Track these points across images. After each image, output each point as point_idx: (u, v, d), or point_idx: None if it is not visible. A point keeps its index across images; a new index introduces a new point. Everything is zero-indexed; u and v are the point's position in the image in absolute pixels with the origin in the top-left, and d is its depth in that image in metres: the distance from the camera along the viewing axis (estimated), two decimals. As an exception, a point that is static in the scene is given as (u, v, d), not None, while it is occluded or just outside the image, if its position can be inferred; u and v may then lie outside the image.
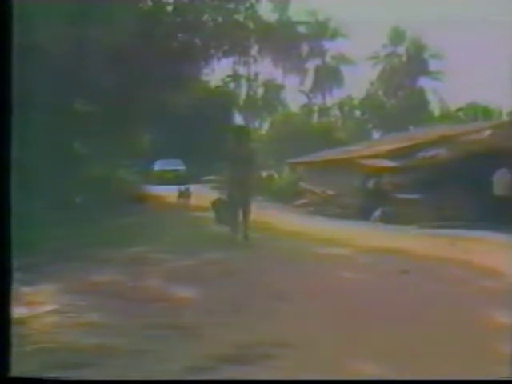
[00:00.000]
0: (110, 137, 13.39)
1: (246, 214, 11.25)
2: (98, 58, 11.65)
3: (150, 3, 14.66)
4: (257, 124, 45.48)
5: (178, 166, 24.30)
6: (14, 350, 3.16)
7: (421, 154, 20.01)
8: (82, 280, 7.12)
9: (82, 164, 11.42)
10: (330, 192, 21.47)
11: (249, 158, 11.45)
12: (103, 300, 6.31)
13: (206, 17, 15.66)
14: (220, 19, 15.95)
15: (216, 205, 12.61)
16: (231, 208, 11.38)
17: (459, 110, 44.68)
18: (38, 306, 5.65)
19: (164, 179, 22.61)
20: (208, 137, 24.13)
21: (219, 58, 18.29)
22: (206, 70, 19.74)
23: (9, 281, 3.22)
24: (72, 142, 11.01)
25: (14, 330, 3.19)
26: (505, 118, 37.54)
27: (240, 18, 17.25)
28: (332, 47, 47.04)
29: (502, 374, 4.28)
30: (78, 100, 11.47)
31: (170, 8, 15.13)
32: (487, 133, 19.70)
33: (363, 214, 18.15)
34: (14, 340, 3.15)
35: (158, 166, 24.83)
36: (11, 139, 3.12)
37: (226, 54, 18.50)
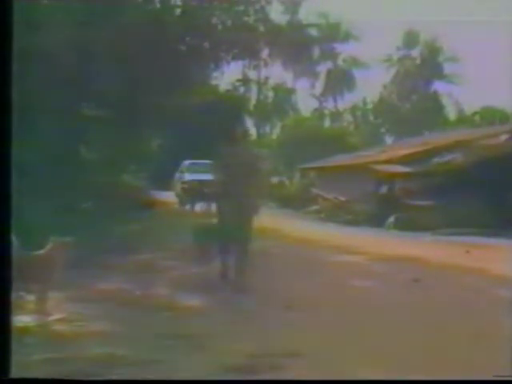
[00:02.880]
0: (118, 141, 13.44)
1: (240, 253, 7.63)
2: (105, 62, 11.70)
3: (158, 6, 14.70)
4: (267, 129, 45.51)
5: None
6: (20, 360, 3.17)
7: (435, 160, 19.98)
8: (88, 288, 7.13)
9: (88, 169, 11.46)
10: (342, 198, 21.45)
11: (250, 166, 7.73)
12: (110, 308, 6.32)
13: (215, 20, 15.68)
14: (229, 22, 15.96)
15: (199, 230, 8.73)
16: (219, 239, 7.84)
17: (475, 113, 44.58)
18: (43, 314, 5.67)
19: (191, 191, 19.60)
20: (218, 142, 24.17)
21: (229, 62, 18.33)
22: (215, 74, 19.77)
23: (9, 284, 3.24)
24: (79, 147, 11.05)
25: (20, 339, 3.21)
26: (522, 122, 37.40)
27: (250, 20, 17.27)
28: (344, 50, 47.13)
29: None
30: (85, 104, 11.52)
31: (178, 11, 15.17)
32: (504, 137, 19.63)
33: (376, 221, 18.13)
34: (20, 350, 3.17)
35: (186, 173, 21.91)
36: (11, 142, 3.15)
37: (235, 58, 18.52)
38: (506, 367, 4.65)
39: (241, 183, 7.59)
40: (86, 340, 5.17)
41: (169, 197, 21.55)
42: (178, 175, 23.41)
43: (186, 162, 23.35)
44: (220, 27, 15.82)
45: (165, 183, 23.21)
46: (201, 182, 16.87)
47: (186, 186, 21.12)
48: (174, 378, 4.18)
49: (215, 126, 24.14)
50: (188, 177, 21.55)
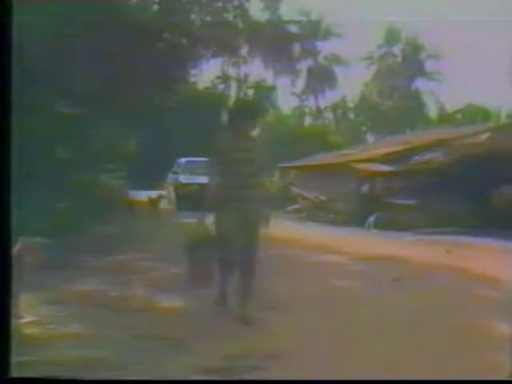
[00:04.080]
0: (95, 140, 13.38)
1: (245, 272, 6.11)
2: (82, 59, 11.64)
3: (135, 2, 14.67)
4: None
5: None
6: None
7: (416, 158, 20.10)
8: (63, 290, 7.10)
9: (64, 168, 11.39)
10: (323, 197, 21.52)
11: (255, 164, 6.21)
12: (86, 310, 6.30)
13: (193, 16, 15.67)
14: (208, 19, 15.96)
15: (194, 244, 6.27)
16: (219, 255, 6.17)
17: (457, 112, 44.96)
18: (14, 317, 5.63)
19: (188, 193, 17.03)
20: (197, 140, 24.12)
21: (208, 59, 18.36)
22: (194, 71, 19.78)
23: (9, 283, 3.24)
24: (54, 146, 10.98)
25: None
26: (504, 120, 37.80)
27: (229, 17, 17.29)
28: (325, 47, 47.23)
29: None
30: (62, 102, 11.45)
31: (155, 7, 15.14)
32: (485, 136, 19.80)
33: (357, 220, 18.20)
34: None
35: (182, 174, 19.48)
36: (11, 142, 3.15)
37: (214, 55, 18.55)
38: (487, 366, 4.71)
39: (245, 184, 6.04)
40: (60, 342, 5.15)
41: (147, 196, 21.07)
42: (171, 176, 20.80)
43: (182, 160, 20.69)
44: (198, 24, 15.81)
45: (144, 182, 22.94)
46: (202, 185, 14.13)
47: (181, 191, 18.52)
48: (174, 379, 4.17)
49: (194, 123, 24.09)
50: (184, 179, 18.75)
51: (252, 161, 6.11)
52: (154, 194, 19.40)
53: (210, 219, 6.17)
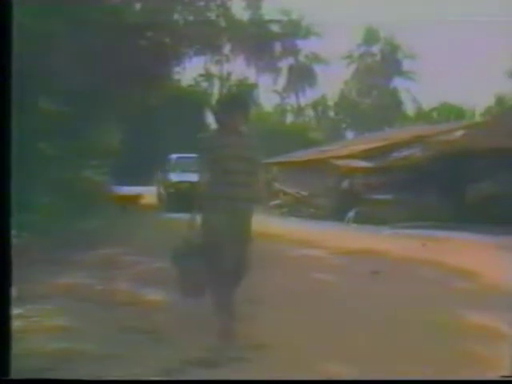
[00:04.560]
0: (79, 137, 13.29)
1: (239, 271, 5.48)
2: (65, 56, 11.55)
3: (118, 0, 14.57)
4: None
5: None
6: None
7: (394, 155, 20.20)
8: (46, 284, 7.06)
9: (48, 164, 11.31)
10: (304, 193, 21.57)
11: (250, 161, 5.58)
12: (70, 303, 6.27)
13: (176, 15, 15.61)
14: (191, 17, 15.90)
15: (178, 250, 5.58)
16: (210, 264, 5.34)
17: (433, 110, 45.28)
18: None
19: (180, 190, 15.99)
20: (180, 136, 24.05)
21: (190, 57, 18.29)
22: (177, 69, 19.70)
23: (8, 282, 3.21)
24: (37, 142, 10.88)
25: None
26: (477, 118, 38.12)
27: (212, 16, 17.26)
28: (305, 46, 47.28)
29: (474, 373, 4.36)
30: (45, 98, 11.35)
31: (138, 6, 15.05)
32: (460, 133, 19.94)
33: (337, 215, 18.27)
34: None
35: (173, 171, 18.01)
36: (11, 142, 3.12)
37: (197, 53, 18.50)
38: (463, 357, 4.75)
39: (240, 183, 5.43)
40: (44, 335, 5.12)
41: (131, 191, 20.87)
42: (161, 174, 19.38)
43: (173, 157, 19.12)
44: (181, 22, 15.74)
45: (128, 179, 22.76)
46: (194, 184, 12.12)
47: (171, 190, 17.25)
48: (174, 378, 4.15)
49: (177, 120, 23.98)
50: (175, 177, 17.35)
51: (242, 157, 5.48)
52: (134, 190, 19.17)
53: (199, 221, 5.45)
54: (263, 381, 4.03)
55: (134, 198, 18.33)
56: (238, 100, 5.94)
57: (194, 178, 5.74)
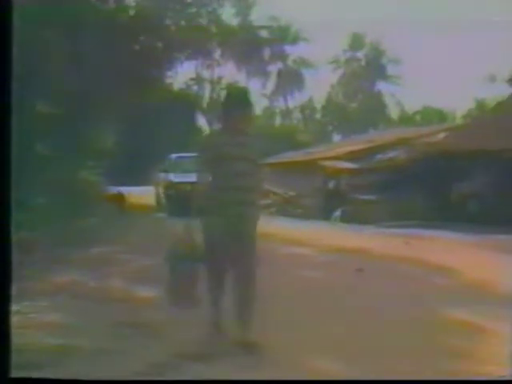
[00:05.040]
0: (73, 138, 13.24)
1: (242, 289, 5.02)
2: (61, 60, 11.52)
3: (112, 6, 14.54)
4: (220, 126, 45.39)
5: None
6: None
7: (379, 156, 20.26)
8: (42, 281, 7.04)
9: (44, 165, 11.27)
10: (292, 193, 21.58)
11: (252, 162, 5.12)
12: (65, 300, 6.26)
13: (168, 21, 15.59)
14: (182, 23, 15.90)
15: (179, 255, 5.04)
16: (210, 269, 5.03)
17: (416, 113, 45.42)
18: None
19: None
20: (171, 138, 24.02)
21: (182, 61, 18.27)
22: (169, 73, 19.67)
23: (9, 281, 3.19)
24: (34, 143, 10.85)
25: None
26: (458, 121, 38.29)
27: (203, 22, 17.25)
28: (293, 51, 47.26)
29: (454, 368, 4.39)
30: (41, 102, 11.32)
31: (132, 12, 15.03)
32: (442, 135, 20.04)
33: (323, 214, 18.30)
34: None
35: (172, 172, 16.33)
36: (11, 142, 3.10)
37: (188, 58, 18.49)
38: (444, 352, 4.78)
39: (244, 186, 4.97)
40: (39, 331, 5.11)
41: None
42: (160, 175, 17.65)
43: (173, 156, 17.65)
44: (173, 28, 15.73)
45: (121, 179, 22.57)
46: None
47: (171, 191, 15.77)
48: (174, 378, 4.15)
49: (169, 123, 23.90)
50: (175, 178, 15.74)
51: (247, 158, 4.99)
52: (119, 190, 18.86)
53: (198, 225, 4.99)
54: (263, 381, 4.02)
55: (118, 198, 18.07)
56: (244, 95, 5.37)
57: (195, 178, 5.26)
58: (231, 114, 5.10)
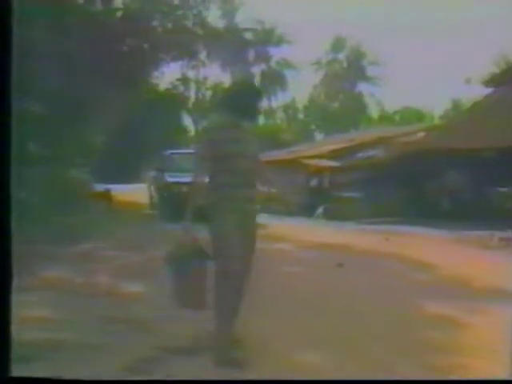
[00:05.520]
0: (62, 137, 13.14)
1: (242, 285, 4.67)
2: (49, 61, 11.42)
3: (100, 8, 14.44)
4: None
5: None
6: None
7: (360, 155, 20.34)
8: (30, 276, 6.97)
9: (32, 163, 11.16)
10: (275, 190, 21.55)
11: (255, 159, 4.78)
12: (51, 296, 6.20)
13: (155, 22, 15.53)
14: (169, 25, 15.85)
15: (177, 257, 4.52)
16: (224, 262, 4.47)
17: (395, 113, 45.66)
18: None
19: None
20: (158, 137, 23.94)
21: (168, 63, 18.21)
22: (155, 73, 19.59)
23: (9, 281, 3.13)
24: (22, 143, 10.73)
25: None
26: (436, 120, 38.55)
27: (188, 24, 17.21)
28: (277, 53, 47.37)
29: (432, 361, 4.39)
30: (28, 101, 11.21)
31: (120, 13, 14.94)
32: (420, 135, 20.15)
33: (306, 211, 18.33)
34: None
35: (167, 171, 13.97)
36: (11, 140, 3.05)
37: (174, 59, 18.41)
38: (423, 346, 4.79)
39: (249, 182, 4.67)
40: (27, 326, 5.05)
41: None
42: (154, 173, 15.62)
43: (167, 153, 15.50)
44: (160, 30, 15.67)
45: (109, 177, 22.43)
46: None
47: (166, 193, 13.48)
48: (173, 378, 4.11)
49: (155, 122, 23.77)
50: (169, 178, 13.47)
51: (249, 154, 4.63)
52: (106, 187, 18.73)
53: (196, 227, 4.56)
54: (263, 381, 3.99)
55: (106, 196, 17.96)
56: (255, 89, 4.94)
57: (190, 178, 4.72)
58: (238, 106, 4.60)
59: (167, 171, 14.12)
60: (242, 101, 4.60)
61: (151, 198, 16.52)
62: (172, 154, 15.27)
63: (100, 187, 18.32)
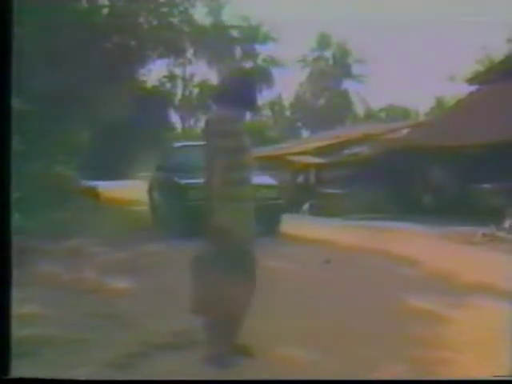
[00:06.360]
0: (48, 134, 13.05)
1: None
2: (35, 58, 11.33)
3: (86, 6, 14.36)
4: (192, 122, 45.26)
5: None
6: None
7: (345, 152, 20.40)
8: (19, 272, 6.91)
9: (20, 160, 11.08)
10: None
11: (250, 155, 4.35)
12: (38, 291, 6.16)
13: (141, 20, 15.47)
14: (155, 22, 15.79)
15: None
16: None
17: (381, 110, 45.87)
18: None
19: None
20: (144, 134, 23.86)
21: (154, 60, 18.16)
22: (142, 71, 19.53)
23: (9, 281, 3.12)
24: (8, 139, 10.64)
25: None
26: (421, 117, 38.76)
27: (175, 21, 17.15)
28: (263, 51, 47.40)
29: (417, 356, 4.41)
30: (16, 99, 11.13)
31: (106, 11, 14.87)
32: (405, 132, 20.24)
33: (292, 208, 18.34)
34: None
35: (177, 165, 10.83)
36: (11, 139, 3.04)
37: (161, 56, 18.36)
38: (408, 340, 4.80)
39: (250, 178, 4.29)
40: (14, 322, 5.01)
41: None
42: (157, 174, 12.30)
43: (177, 145, 12.56)
44: (146, 27, 15.61)
45: (96, 174, 22.26)
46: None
47: (180, 201, 10.01)
48: (173, 378, 4.09)
49: (142, 119, 23.66)
50: (179, 179, 10.36)
51: (248, 149, 4.27)
52: (93, 184, 18.63)
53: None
54: (263, 381, 3.98)
55: (92, 192, 17.87)
56: (253, 80, 4.67)
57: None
58: (244, 100, 4.32)
59: (173, 171, 10.87)
60: (243, 92, 4.29)
61: (153, 208, 12.59)
62: (184, 146, 11.92)
63: (87, 184, 18.23)
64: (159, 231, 11.24)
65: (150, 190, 12.80)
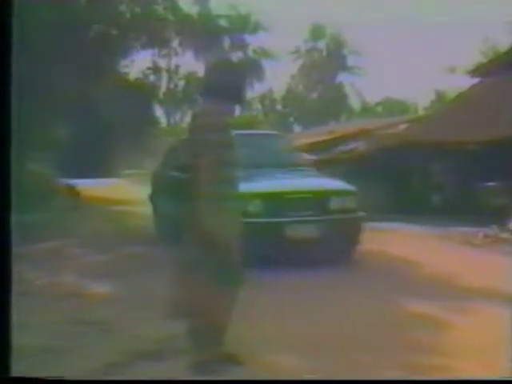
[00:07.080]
0: (20, 129, 12.97)
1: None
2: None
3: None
4: (178, 117, 45.19)
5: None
6: None
7: (340, 148, 20.42)
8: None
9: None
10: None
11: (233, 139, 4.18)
12: (15, 297, 6.12)
13: (123, 7, 15.40)
14: (138, 10, 15.73)
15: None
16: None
17: (377, 104, 46.01)
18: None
19: None
20: (127, 129, 23.75)
21: (138, 50, 18.08)
22: (124, 62, 19.46)
23: (9, 280, 3.12)
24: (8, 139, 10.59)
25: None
26: (420, 112, 38.88)
27: (159, 9, 17.10)
28: (253, 41, 47.37)
29: (415, 361, 4.44)
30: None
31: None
32: (403, 127, 20.29)
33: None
34: None
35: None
36: (11, 138, 3.03)
37: (144, 46, 18.29)
38: (403, 343, 4.83)
39: (235, 177, 4.18)
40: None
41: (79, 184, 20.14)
42: (159, 169, 10.95)
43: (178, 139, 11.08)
44: (128, 15, 15.55)
45: (75, 171, 22.18)
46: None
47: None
48: (173, 378, 4.08)
49: (124, 113, 23.56)
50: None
51: (233, 145, 4.15)
52: (71, 182, 18.56)
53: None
54: (263, 381, 3.99)
55: (71, 191, 17.83)
56: (241, 71, 4.60)
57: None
58: (231, 92, 4.24)
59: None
60: (230, 84, 4.21)
61: (156, 219, 10.79)
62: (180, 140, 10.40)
63: (66, 182, 18.19)
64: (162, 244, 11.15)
65: (151, 196, 11.12)
